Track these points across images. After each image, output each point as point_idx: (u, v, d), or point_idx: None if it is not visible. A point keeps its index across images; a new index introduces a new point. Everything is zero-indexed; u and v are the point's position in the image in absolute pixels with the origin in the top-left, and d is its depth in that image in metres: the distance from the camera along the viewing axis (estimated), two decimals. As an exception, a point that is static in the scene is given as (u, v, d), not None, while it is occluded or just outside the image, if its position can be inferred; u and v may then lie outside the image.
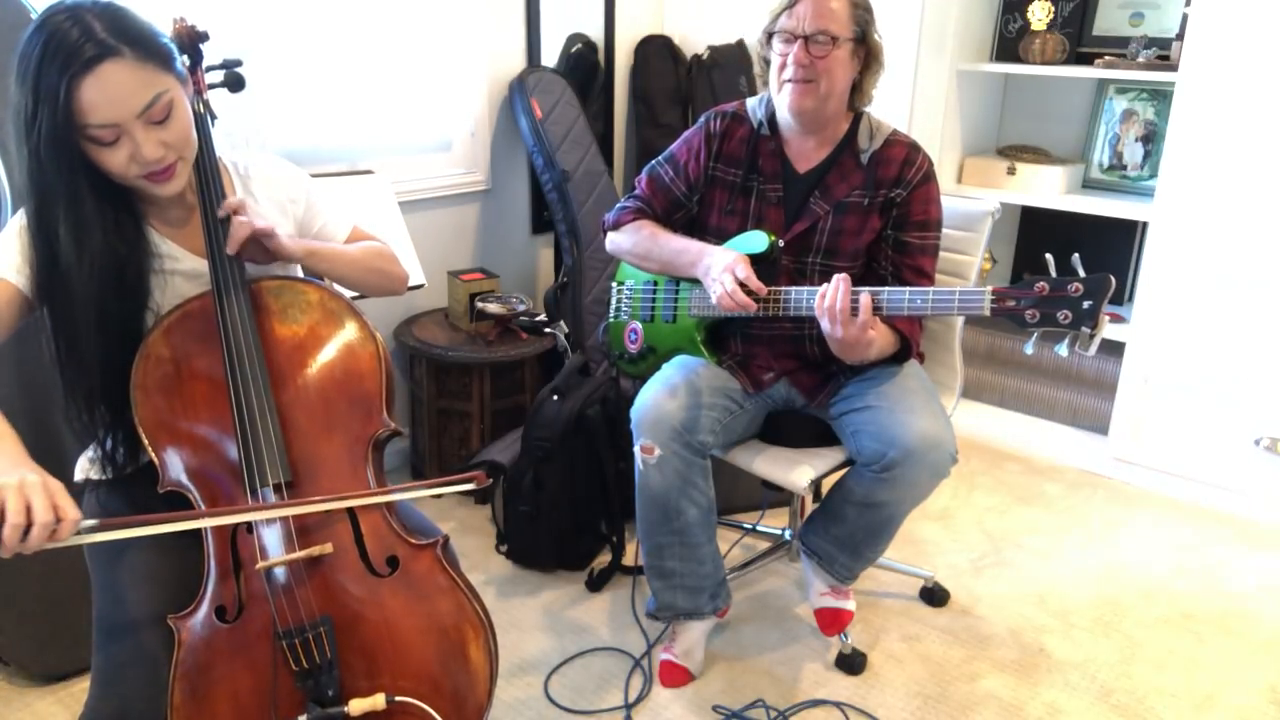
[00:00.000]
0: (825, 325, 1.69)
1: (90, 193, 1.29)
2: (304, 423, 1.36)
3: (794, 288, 1.77)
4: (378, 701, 1.23)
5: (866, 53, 1.84)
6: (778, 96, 1.87)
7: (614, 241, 2.06)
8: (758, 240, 1.86)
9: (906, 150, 1.89)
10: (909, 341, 1.87)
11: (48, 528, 1.09)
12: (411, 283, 2.53)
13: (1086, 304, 1.55)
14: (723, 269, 1.78)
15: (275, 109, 2.48)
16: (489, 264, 3.11)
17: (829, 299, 1.66)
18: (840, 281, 1.66)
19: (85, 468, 1.47)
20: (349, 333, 1.41)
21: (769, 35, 1.85)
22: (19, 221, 1.33)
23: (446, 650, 1.30)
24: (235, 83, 1.56)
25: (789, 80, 1.82)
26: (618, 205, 2.07)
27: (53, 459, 1.95)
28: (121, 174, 1.27)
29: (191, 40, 1.48)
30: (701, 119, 2.00)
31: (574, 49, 3.21)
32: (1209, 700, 2.04)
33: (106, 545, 1.37)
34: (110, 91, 1.20)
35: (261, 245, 1.39)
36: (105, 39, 1.19)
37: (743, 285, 1.76)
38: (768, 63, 1.89)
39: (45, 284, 1.30)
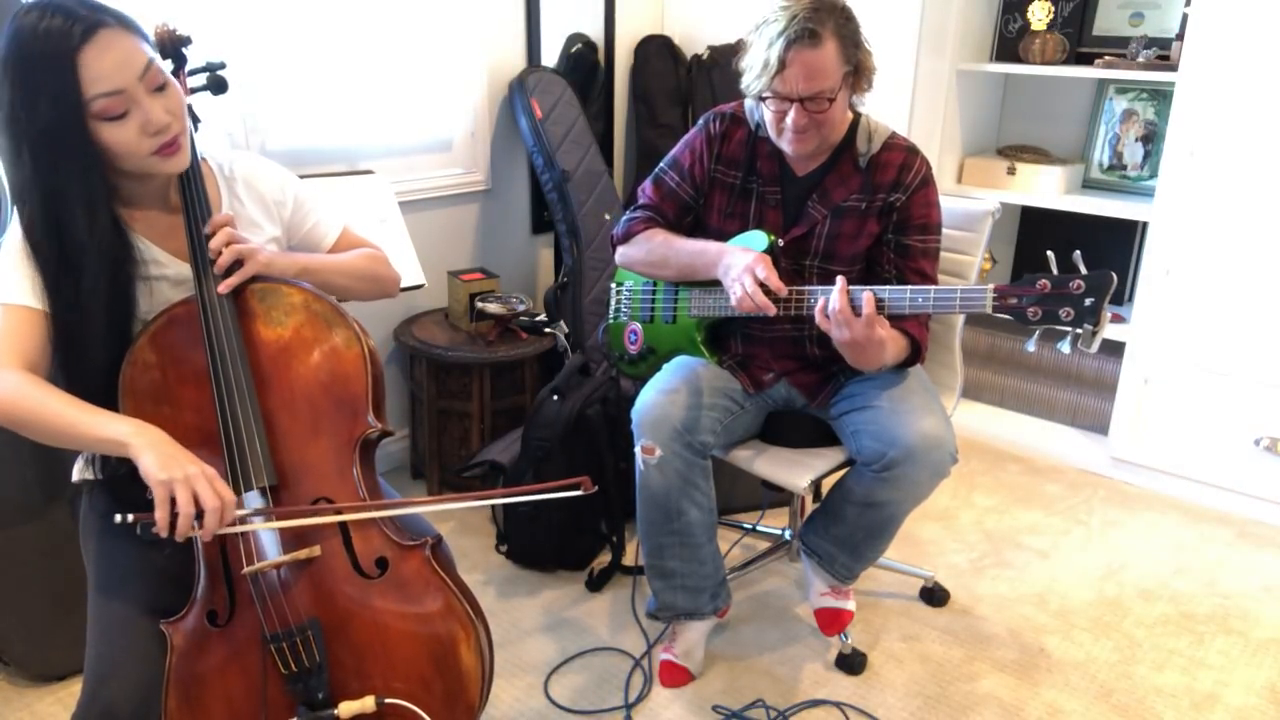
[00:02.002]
0: (834, 332, 1.68)
1: (83, 192, 1.28)
2: (289, 425, 1.35)
3: (809, 286, 1.76)
4: (367, 704, 1.23)
5: (858, 72, 1.78)
6: (778, 140, 1.83)
7: (625, 254, 2.02)
8: (757, 240, 1.85)
9: (904, 154, 1.88)
10: (918, 344, 1.86)
11: (217, 512, 1.20)
12: (412, 283, 2.55)
13: (1088, 301, 1.55)
14: (743, 269, 1.75)
15: (275, 109, 2.48)
16: (489, 264, 3.11)
17: (829, 303, 1.65)
18: (837, 281, 1.66)
19: (82, 469, 1.47)
20: (334, 334, 1.40)
21: (759, 97, 1.78)
22: (16, 241, 1.31)
23: (436, 651, 1.29)
24: (218, 85, 1.54)
25: (789, 131, 1.78)
26: (624, 217, 2.03)
27: (52, 459, 1.96)
28: (134, 150, 1.26)
29: (174, 45, 1.47)
30: (701, 121, 1.99)
31: (574, 49, 3.21)
32: (1209, 700, 2.04)
33: (104, 545, 1.37)
34: (112, 56, 1.21)
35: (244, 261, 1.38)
36: (89, 14, 1.20)
37: (762, 285, 1.73)
38: (742, 85, 1.85)
39: (53, 287, 1.29)
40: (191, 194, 1.38)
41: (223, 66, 1.56)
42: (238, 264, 1.36)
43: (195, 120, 1.48)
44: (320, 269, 1.47)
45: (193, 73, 1.51)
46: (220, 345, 1.33)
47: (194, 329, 1.35)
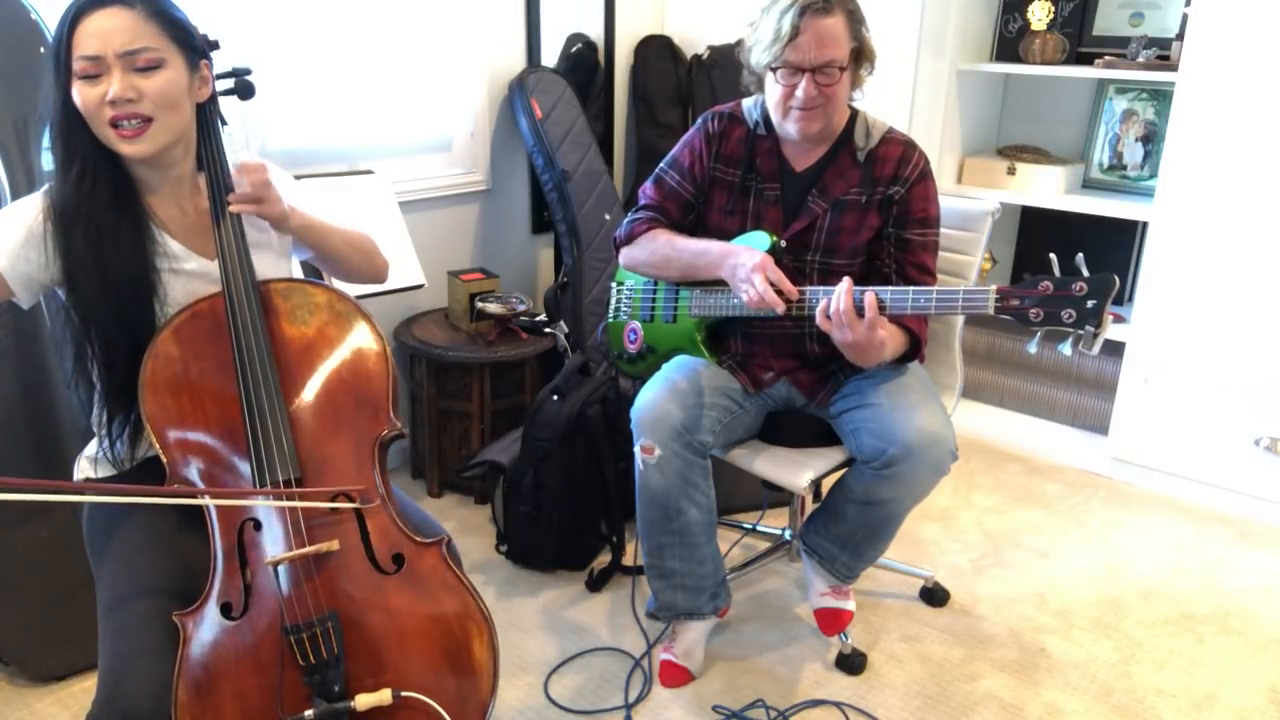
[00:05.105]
0: (835, 334, 1.69)
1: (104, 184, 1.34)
2: (312, 422, 1.37)
3: (816, 287, 1.76)
4: (384, 696, 1.24)
5: (860, 54, 1.82)
6: (783, 122, 1.84)
7: (628, 256, 2.02)
8: (759, 240, 1.86)
9: (903, 148, 1.89)
10: (918, 339, 1.86)
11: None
12: (412, 283, 2.55)
13: (1090, 303, 1.55)
14: (752, 269, 1.75)
15: (276, 109, 2.48)
16: (489, 264, 3.11)
17: (831, 305, 1.66)
18: (841, 282, 1.66)
19: (85, 468, 1.47)
20: (357, 334, 1.43)
21: (770, 68, 1.79)
22: (35, 206, 1.35)
23: (451, 647, 1.31)
24: (245, 90, 1.57)
25: (797, 108, 1.80)
26: (627, 219, 2.04)
27: (53, 459, 1.97)
28: (94, 115, 1.30)
29: (202, 48, 1.49)
30: (699, 121, 1.99)
31: (574, 49, 3.21)
32: (1209, 700, 2.04)
33: (114, 544, 1.38)
34: (103, 26, 1.28)
35: (263, 203, 1.42)
36: None
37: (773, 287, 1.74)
38: (755, 74, 1.86)
39: (71, 254, 1.33)
40: (219, 194, 1.41)
41: (249, 72, 1.58)
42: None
43: (222, 122, 1.50)
44: (322, 228, 1.52)
45: (220, 76, 1.52)
46: (246, 340, 1.35)
47: (219, 323, 1.37)
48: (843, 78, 1.78)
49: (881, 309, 1.67)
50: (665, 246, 1.94)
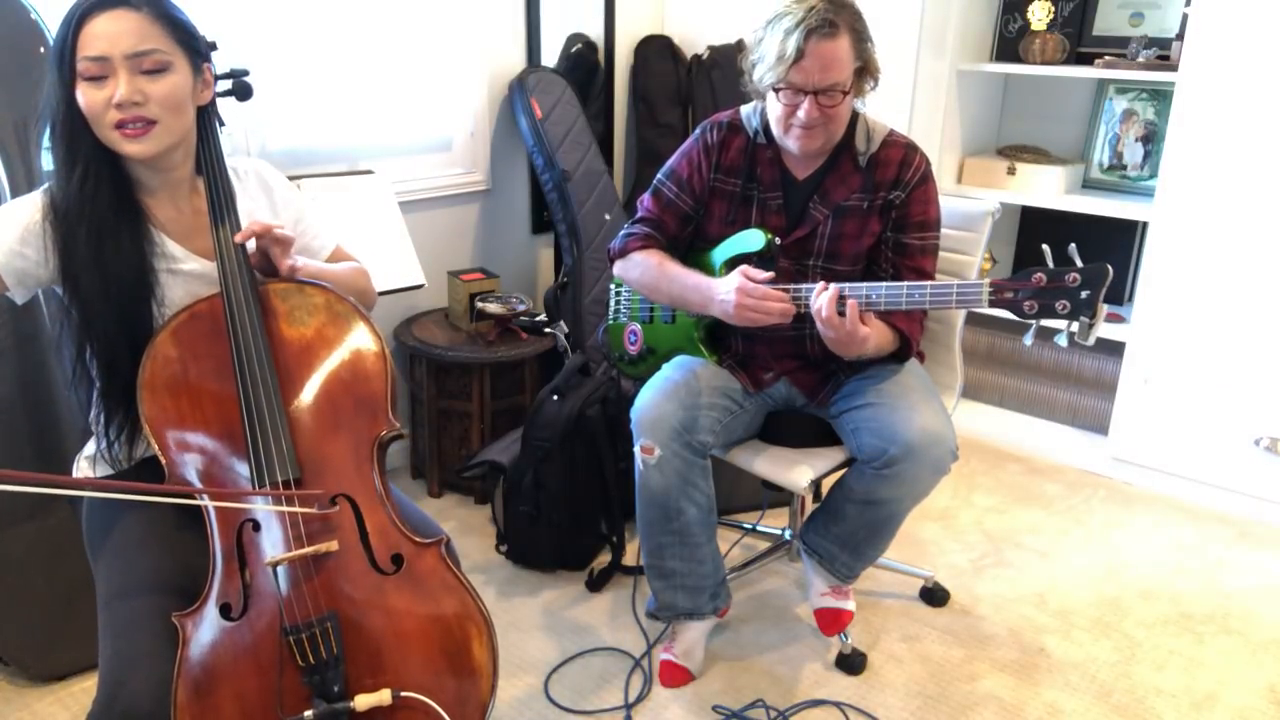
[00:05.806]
0: (819, 325, 1.72)
1: (101, 180, 1.34)
2: (311, 423, 1.37)
3: (804, 285, 1.77)
4: (383, 697, 1.24)
5: (865, 71, 1.80)
6: (784, 137, 1.83)
7: (622, 269, 2.03)
8: (754, 239, 1.86)
9: (904, 151, 1.88)
10: (908, 339, 1.87)
11: None
12: (411, 283, 2.56)
13: (1084, 294, 1.55)
14: (737, 295, 1.75)
15: (275, 110, 2.48)
16: (489, 264, 3.11)
17: (813, 306, 1.70)
18: (823, 289, 1.69)
19: (84, 468, 1.47)
20: (355, 335, 1.43)
21: (774, 89, 1.78)
22: (34, 205, 1.35)
23: (450, 647, 1.31)
24: (243, 91, 1.58)
25: (799, 127, 1.79)
26: (622, 232, 2.03)
27: (52, 459, 1.96)
28: (99, 117, 1.30)
29: (205, 51, 1.50)
30: (697, 131, 1.98)
31: (574, 49, 3.21)
32: (1209, 700, 2.04)
33: (114, 544, 1.38)
34: (110, 28, 1.28)
35: (269, 252, 1.41)
36: None
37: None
38: (753, 78, 1.86)
39: (74, 254, 1.33)
40: (217, 195, 1.41)
41: (247, 73, 1.58)
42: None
43: (220, 123, 1.51)
44: (325, 276, 1.52)
45: (218, 78, 1.53)
46: (245, 341, 1.36)
47: (217, 324, 1.37)
48: (845, 99, 1.77)
49: (876, 305, 1.70)
50: (655, 270, 1.94)
